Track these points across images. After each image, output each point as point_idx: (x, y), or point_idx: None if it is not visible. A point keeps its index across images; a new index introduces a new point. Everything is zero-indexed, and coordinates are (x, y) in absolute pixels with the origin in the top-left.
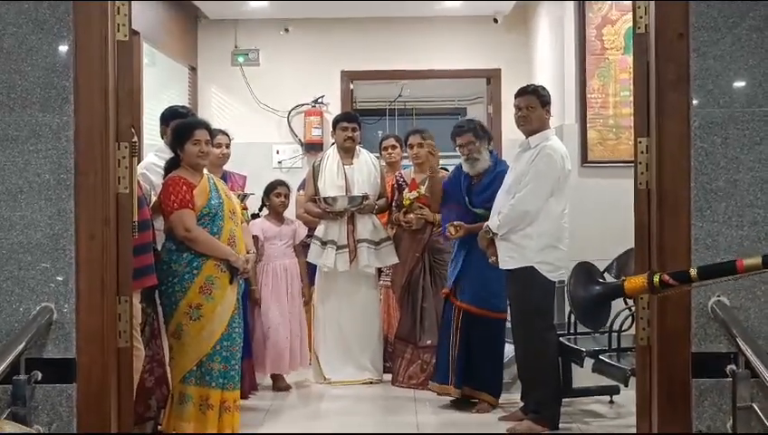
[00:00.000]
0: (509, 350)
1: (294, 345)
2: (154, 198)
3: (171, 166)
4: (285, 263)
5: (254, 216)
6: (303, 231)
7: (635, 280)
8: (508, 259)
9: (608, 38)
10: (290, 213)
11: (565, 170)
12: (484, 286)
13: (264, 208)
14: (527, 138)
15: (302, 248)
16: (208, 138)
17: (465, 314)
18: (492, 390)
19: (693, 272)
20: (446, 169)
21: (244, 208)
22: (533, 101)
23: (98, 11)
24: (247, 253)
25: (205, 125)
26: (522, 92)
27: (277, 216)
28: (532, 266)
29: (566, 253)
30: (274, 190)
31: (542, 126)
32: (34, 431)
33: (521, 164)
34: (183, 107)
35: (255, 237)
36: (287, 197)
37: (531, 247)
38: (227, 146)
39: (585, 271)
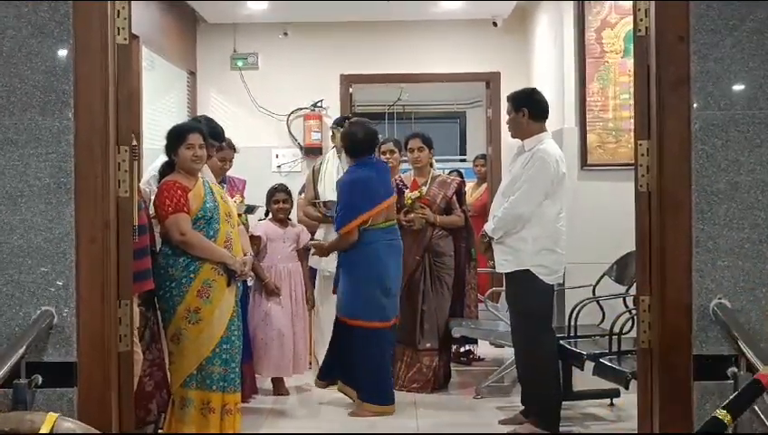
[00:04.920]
0: (509, 353)
1: (298, 349)
2: None
3: (166, 170)
4: (289, 266)
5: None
6: (307, 236)
7: None
8: (504, 262)
9: (607, 41)
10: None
11: (559, 174)
12: (341, 294)
13: (270, 213)
14: (522, 141)
15: (305, 253)
16: (202, 142)
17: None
18: (360, 392)
19: (725, 416)
20: (461, 173)
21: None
22: (509, 109)
23: (98, 14)
24: (244, 255)
25: (198, 129)
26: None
27: (279, 220)
28: (527, 270)
29: (563, 256)
30: (273, 197)
31: (530, 130)
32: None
33: (516, 168)
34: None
35: (258, 238)
36: (286, 202)
37: (526, 251)
38: (231, 160)
39: None
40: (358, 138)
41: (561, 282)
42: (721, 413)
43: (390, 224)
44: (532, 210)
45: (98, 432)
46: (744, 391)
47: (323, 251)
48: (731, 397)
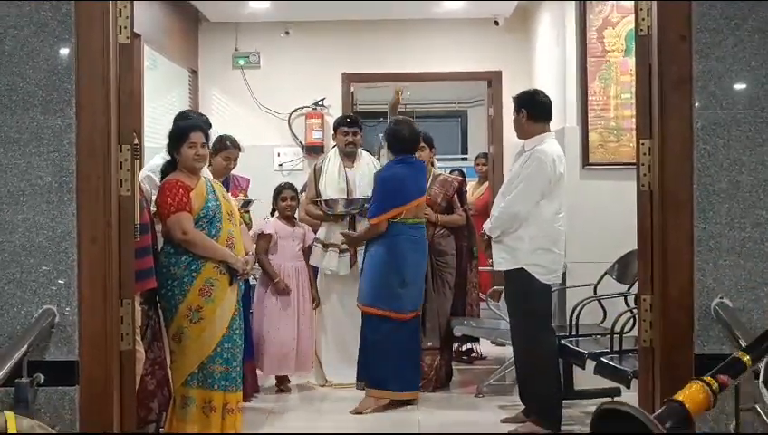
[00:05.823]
0: (511, 351)
1: (303, 347)
2: None
3: (168, 169)
4: (297, 265)
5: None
6: (312, 235)
7: (692, 396)
8: (501, 261)
9: (609, 40)
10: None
11: (556, 173)
12: (362, 282)
13: (276, 211)
14: (524, 142)
15: (308, 251)
16: (204, 140)
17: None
18: (369, 381)
19: (743, 356)
20: (462, 172)
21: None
22: (513, 111)
23: (99, 13)
24: (246, 254)
25: (200, 127)
26: None
27: (287, 218)
28: (524, 269)
29: (561, 256)
30: (280, 195)
31: (530, 131)
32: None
33: (516, 167)
34: (192, 112)
35: (269, 235)
36: (293, 199)
37: (522, 250)
38: (235, 159)
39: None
40: (403, 135)
41: (561, 281)
42: (740, 354)
43: (418, 221)
44: (528, 209)
45: (54, 432)
46: (761, 338)
47: (353, 241)
48: (750, 342)
